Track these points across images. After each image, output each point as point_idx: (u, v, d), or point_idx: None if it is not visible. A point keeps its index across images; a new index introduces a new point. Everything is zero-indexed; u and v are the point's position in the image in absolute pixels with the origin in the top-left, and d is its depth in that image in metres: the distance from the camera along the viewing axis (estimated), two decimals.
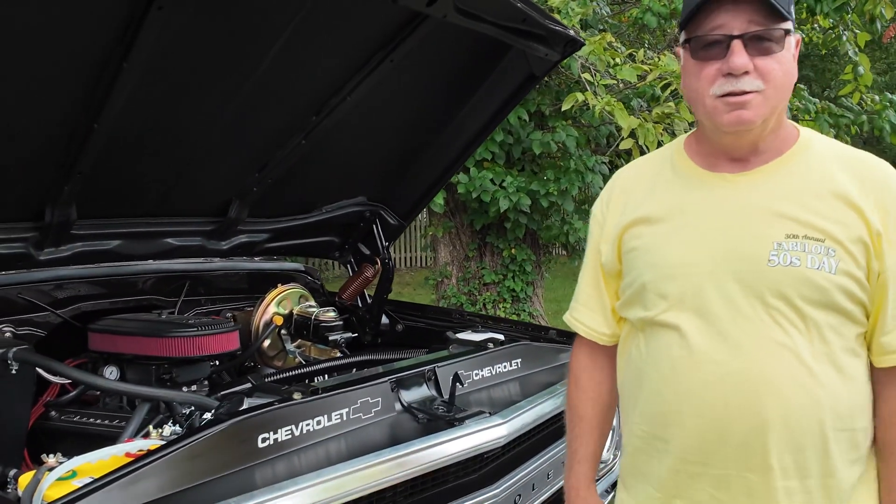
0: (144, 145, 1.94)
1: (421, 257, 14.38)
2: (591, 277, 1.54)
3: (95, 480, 1.18)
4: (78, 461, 1.35)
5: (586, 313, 1.55)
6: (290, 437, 1.45)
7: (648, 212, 1.42)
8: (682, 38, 1.34)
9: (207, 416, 1.67)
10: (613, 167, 6.55)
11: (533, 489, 1.85)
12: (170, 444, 1.31)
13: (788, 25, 1.28)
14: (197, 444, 1.31)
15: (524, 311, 6.33)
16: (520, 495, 1.78)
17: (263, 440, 1.41)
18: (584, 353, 1.58)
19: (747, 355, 1.28)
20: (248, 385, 1.84)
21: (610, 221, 1.48)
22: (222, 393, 1.83)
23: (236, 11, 1.73)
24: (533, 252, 6.31)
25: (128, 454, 1.42)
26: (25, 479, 1.31)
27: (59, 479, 1.30)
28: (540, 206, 5.68)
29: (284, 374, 2.06)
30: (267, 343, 2.39)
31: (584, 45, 2.42)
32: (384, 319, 2.78)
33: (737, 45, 1.26)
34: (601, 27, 6.01)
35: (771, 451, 1.27)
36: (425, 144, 2.60)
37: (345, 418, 1.57)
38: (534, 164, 5.94)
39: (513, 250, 6.22)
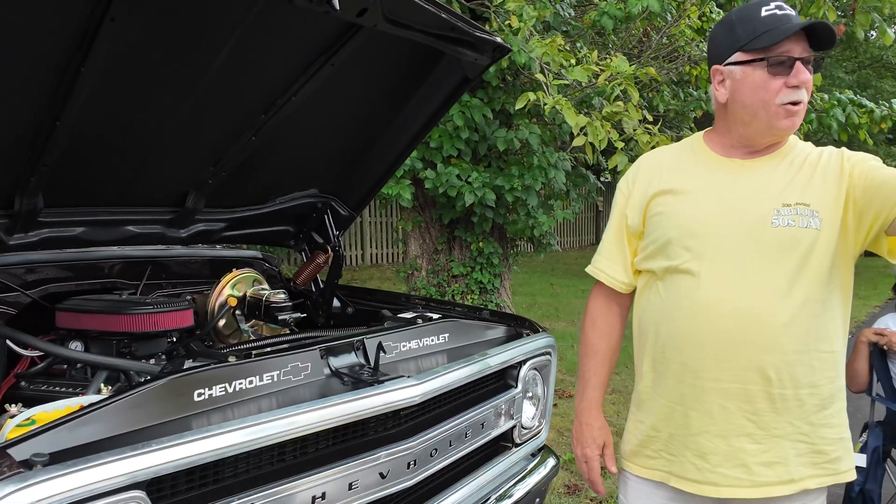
0: (105, 140, 2.15)
1: (394, 254, 14.60)
2: (616, 237, 1.99)
3: (49, 423, 1.40)
4: (36, 410, 1.58)
5: (608, 265, 2.01)
6: (223, 393, 1.67)
7: (674, 185, 1.88)
8: (740, 57, 1.78)
9: (105, 389, 1.90)
10: (576, 164, 6.80)
11: (450, 445, 2.08)
12: (115, 394, 1.53)
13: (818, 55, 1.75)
14: (139, 395, 1.52)
15: (492, 301, 6.56)
16: (436, 449, 2.01)
17: (199, 395, 1.63)
18: (602, 299, 2.06)
19: (752, 295, 1.73)
20: (184, 354, 2.06)
21: (637, 193, 1.95)
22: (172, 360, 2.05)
23: (184, 21, 1.94)
24: (500, 245, 6.54)
25: (80, 406, 1.64)
26: None
27: (18, 425, 1.52)
28: (505, 200, 5.92)
29: (234, 348, 2.28)
30: (222, 322, 2.60)
31: (511, 50, 2.65)
32: (336, 303, 3.00)
33: (800, 65, 1.72)
34: (564, 28, 6.25)
35: (769, 368, 1.72)
36: (372, 141, 2.82)
37: (275, 379, 1.79)
38: (499, 161, 6.17)
39: (480, 243, 6.45)
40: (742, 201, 1.80)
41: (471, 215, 6.19)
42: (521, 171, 5.92)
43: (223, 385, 1.67)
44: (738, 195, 1.81)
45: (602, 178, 7.17)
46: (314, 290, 3.02)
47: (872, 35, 5.43)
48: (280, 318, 2.56)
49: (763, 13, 1.76)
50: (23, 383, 2.17)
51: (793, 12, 1.77)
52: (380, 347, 1.99)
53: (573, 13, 6.56)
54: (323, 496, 1.69)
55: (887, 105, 6.05)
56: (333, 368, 1.94)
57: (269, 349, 1.90)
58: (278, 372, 1.80)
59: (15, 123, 1.93)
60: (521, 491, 2.42)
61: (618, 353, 2.08)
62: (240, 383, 1.71)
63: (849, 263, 1.82)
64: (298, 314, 2.62)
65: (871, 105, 6.02)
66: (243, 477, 1.58)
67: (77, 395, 2.04)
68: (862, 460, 3.25)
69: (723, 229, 1.78)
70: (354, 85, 2.55)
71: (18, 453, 1.30)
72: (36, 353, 2.18)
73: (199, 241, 2.75)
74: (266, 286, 2.72)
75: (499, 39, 2.50)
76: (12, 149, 1.98)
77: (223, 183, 2.59)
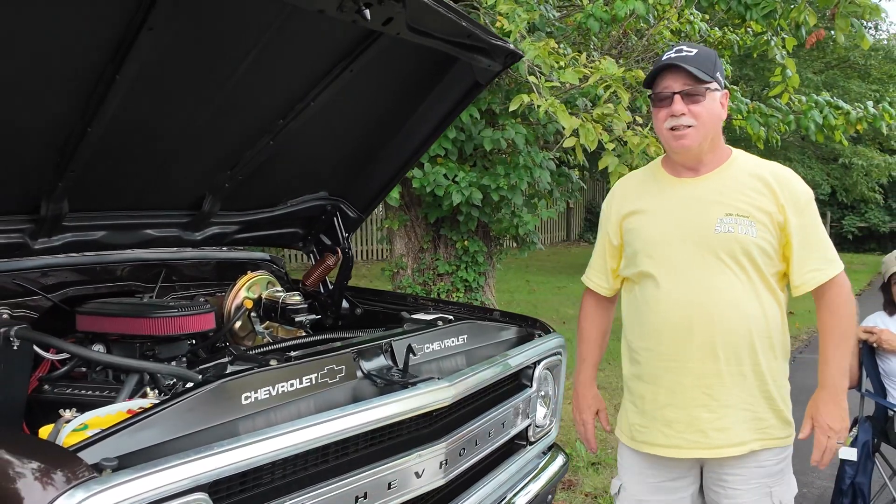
0: (129, 146, 2.17)
1: (377, 250, 14.64)
2: (600, 251, 2.37)
3: (108, 428, 1.43)
4: (89, 416, 1.60)
5: (595, 274, 2.41)
6: (267, 395, 1.71)
7: (639, 206, 2.23)
8: (648, 94, 2.16)
9: (152, 394, 1.93)
10: (560, 163, 6.89)
11: (476, 444, 2.14)
12: (167, 400, 1.56)
13: (712, 85, 2.07)
14: (191, 399, 1.56)
15: (476, 299, 6.63)
16: (464, 449, 2.07)
17: (246, 398, 1.67)
18: (592, 299, 2.45)
19: (701, 291, 2.07)
20: (230, 357, 2.09)
21: (613, 214, 2.30)
22: (206, 365, 2.08)
23: (213, 30, 1.97)
24: (485, 244, 6.61)
25: (129, 411, 1.67)
26: (46, 430, 1.55)
27: (74, 430, 1.54)
28: (491, 199, 5.99)
29: (261, 349, 2.31)
30: (238, 324, 2.63)
31: (522, 56, 2.71)
32: (344, 304, 3.04)
33: (675, 98, 2.05)
34: (549, 30, 6.32)
35: (717, 350, 2.06)
36: (381, 144, 2.86)
37: (314, 382, 1.83)
38: (485, 160, 6.23)
39: (465, 242, 6.51)
40: (690, 213, 2.13)
41: (457, 214, 6.25)
42: (507, 171, 5.98)
43: (267, 388, 1.72)
44: (687, 208, 2.14)
45: (578, 177, 7.25)
46: (322, 291, 3.05)
47: (852, 31, 5.54)
48: (297, 320, 2.60)
49: (661, 59, 2.14)
50: (46, 387, 2.18)
51: (684, 52, 2.09)
52: (409, 350, 2.04)
53: (556, 14, 6.64)
54: (365, 496, 1.74)
55: (862, 107, 6.22)
56: (365, 371, 1.98)
57: (301, 352, 1.94)
58: (316, 374, 1.85)
59: (48, 130, 1.95)
60: (536, 486, 2.49)
61: (607, 340, 2.52)
62: (282, 386, 1.75)
63: (782, 262, 2.12)
64: (314, 316, 2.65)
65: (847, 107, 6.19)
66: (292, 478, 1.62)
67: (103, 398, 2.06)
68: (852, 454, 3.36)
69: (676, 238, 2.12)
70: (369, 90, 2.59)
71: (86, 457, 1.33)
72: (58, 357, 2.19)
73: (212, 244, 2.77)
74: (280, 288, 2.75)
75: (511, 46, 2.56)
76: (43, 155, 2.00)
77: (238, 186, 2.62)
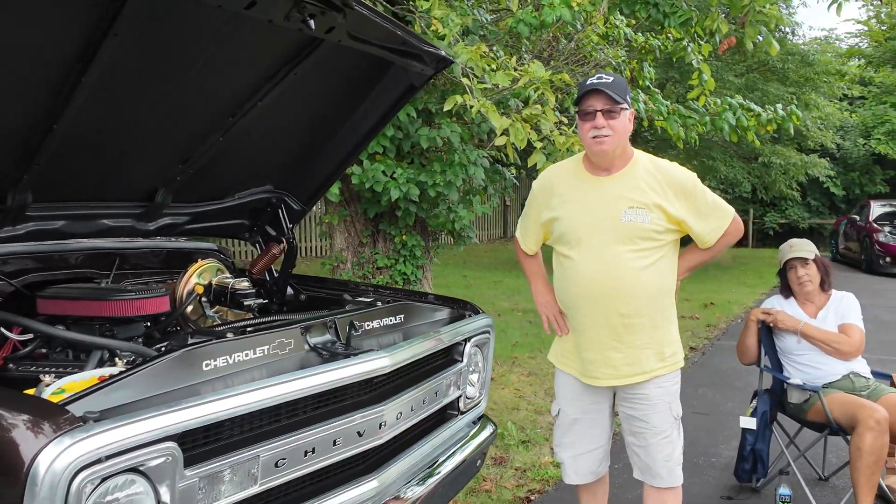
0: (89, 141, 2.34)
1: (317, 247, 14.75)
2: (531, 220, 2.95)
3: (88, 387, 1.63)
4: (66, 380, 1.80)
5: (523, 238, 3.03)
6: (225, 364, 1.93)
7: (563, 193, 2.80)
8: (575, 109, 2.76)
9: (121, 363, 2.11)
10: (493, 160, 7.18)
11: (412, 410, 2.39)
12: (138, 364, 1.77)
13: (623, 106, 2.67)
14: (159, 364, 1.77)
15: None
16: (401, 413, 2.32)
17: (206, 365, 1.88)
18: (524, 254, 3.08)
19: (611, 266, 2.67)
20: (186, 332, 2.29)
21: (543, 195, 2.87)
22: (167, 341, 2.28)
23: (171, 35, 2.17)
24: (422, 238, 6.85)
25: (100, 377, 1.86)
26: (28, 393, 1.73)
27: (53, 392, 1.74)
28: (428, 195, 6.23)
29: (218, 326, 2.51)
30: (189, 308, 2.82)
31: (453, 62, 2.97)
32: (289, 291, 3.25)
33: (597, 115, 2.64)
34: (482, 33, 6.60)
35: (622, 307, 2.68)
36: (324, 141, 3.08)
37: (266, 353, 2.06)
38: (422, 158, 6.47)
39: (404, 237, 6.74)
40: (602, 204, 2.72)
41: (395, 209, 6.47)
42: (443, 168, 6.24)
43: (225, 357, 1.93)
44: (600, 200, 2.72)
45: (514, 174, 7.55)
46: (268, 279, 3.26)
47: (760, 39, 5.95)
48: (245, 303, 2.80)
49: (586, 82, 2.71)
50: (10, 365, 2.34)
51: (604, 79, 2.67)
52: (351, 326, 2.28)
53: (489, 18, 6.92)
54: (313, 450, 1.97)
55: (773, 109, 6.68)
56: (312, 344, 2.21)
57: (254, 329, 2.16)
58: (268, 346, 2.07)
59: (16, 127, 2.11)
60: (465, 452, 2.75)
61: (542, 266, 3.09)
62: (238, 356, 1.97)
63: (674, 243, 2.78)
64: (262, 300, 2.86)
65: (758, 109, 6.64)
66: (249, 434, 1.85)
67: (67, 374, 2.24)
68: (752, 423, 3.73)
69: (590, 224, 2.72)
70: (312, 91, 2.81)
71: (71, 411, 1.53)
72: (22, 338, 2.35)
73: (164, 234, 2.95)
74: (229, 275, 2.95)
75: (443, 52, 2.82)
76: (9, 149, 2.17)
77: (189, 180, 2.80)
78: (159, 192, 2.77)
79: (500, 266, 15.33)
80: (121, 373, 1.72)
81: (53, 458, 1.41)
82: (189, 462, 1.67)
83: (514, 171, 7.79)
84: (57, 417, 1.48)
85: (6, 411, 1.49)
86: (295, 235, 3.22)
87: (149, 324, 2.59)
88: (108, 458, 1.50)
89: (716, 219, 2.77)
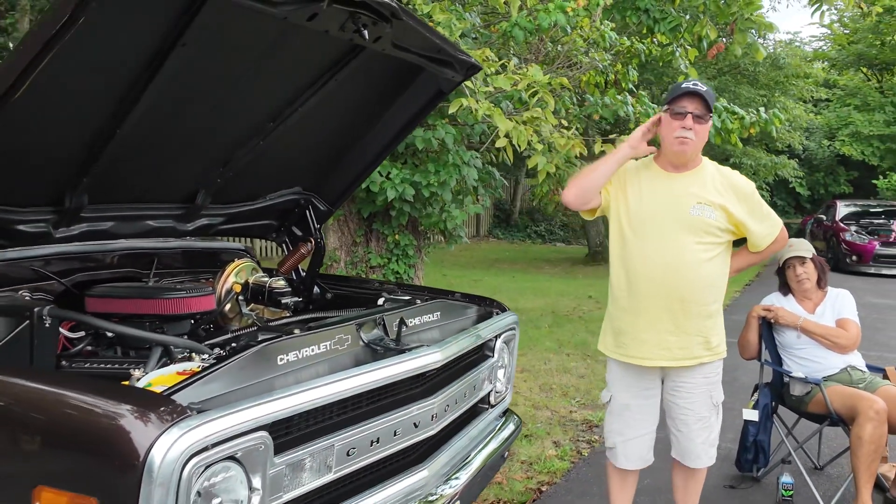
0: (143, 146, 2.42)
1: None
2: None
3: (184, 379, 1.72)
4: (152, 375, 1.88)
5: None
6: (296, 358, 2.03)
7: (638, 184, 2.99)
8: (665, 107, 2.94)
9: (197, 358, 2.20)
10: (486, 162, 7.31)
11: (456, 402, 2.51)
12: (221, 360, 1.85)
13: (710, 116, 2.91)
14: (241, 359, 1.86)
15: None
16: (448, 406, 2.43)
17: (280, 359, 1.98)
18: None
19: (676, 254, 2.88)
20: (254, 328, 2.37)
21: (619, 178, 3.03)
22: (234, 334, 2.37)
23: (230, 44, 2.26)
24: (414, 238, 6.96)
25: (179, 372, 1.95)
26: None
27: (144, 387, 1.82)
28: (422, 195, 6.34)
29: (274, 323, 2.59)
30: (228, 307, 2.90)
31: (481, 68, 3.08)
32: (315, 289, 3.34)
33: (689, 116, 2.85)
34: (473, 36, 6.73)
35: (683, 293, 2.89)
36: (353, 144, 3.18)
37: (328, 348, 2.15)
38: (415, 158, 6.58)
39: (397, 236, 6.85)
40: (674, 197, 2.94)
41: (389, 209, 6.57)
42: (438, 168, 6.35)
43: (296, 352, 2.03)
44: (672, 193, 2.95)
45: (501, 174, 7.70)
46: (295, 277, 3.34)
47: (749, 45, 6.17)
48: (283, 302, 2.89)
49: (682, 85, 2.94)
50: (63, 363, 2.41)
51: (700, 87, 2.89)
52: (402, 322, 2.39)
53: (480, 22, 7.05)
54: (378, 440, 2.08)
55: (755, 112, 6.90)
56: (365, 340, 2.32)
57: (316, 325, 2.26)
58: (329, 342, 2.17)
59: (83, 131, 2.19)
60: (496, 443, 2.88)
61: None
62: (305, 350, 2.07)
63: (729, 244, 3.03)
64: (297, 298, 2.95)
65: (742, 112, 6.85)
66: (324, 424, 1.95)
67: (121, 370, 2.31)
68: (754, 415, 3.91)
69: (660, 213, 2.93)
70: (346, 96, 2.91)
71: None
72: (74, 335, 2.42)
73: (200, 234, 3.02)
74: (264, 274, 3.04)
75: (473, 59, 2.93)
76: (75, 153, 2.24)
77: (227, 182, 2.88)
78: (200, 193, 2.85)
79: (477, 265, 15.50)
80: (209, 367, 1.81)
81: (169, 446, 1.50)
82: (278, 450, 1.77)
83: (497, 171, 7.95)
84: (169, 408, 1.57)
85: (119, 402, 1.57)
86: (322, 236, 3.31)
87: (192, 321, 2.68)
88: (213, 446, 1.59)
89: (769, 225, 3.06)
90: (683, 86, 2.93)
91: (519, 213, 23.87)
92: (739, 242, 3.08)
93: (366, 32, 2.33)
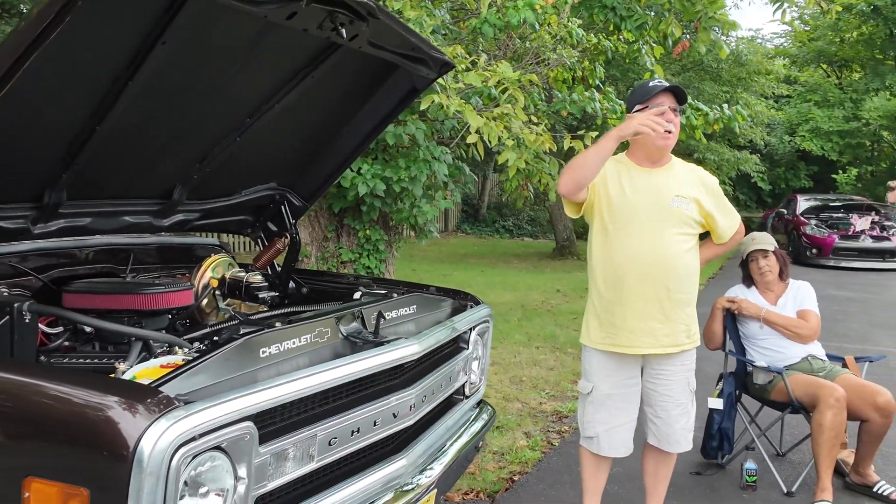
0: (123, 142, 2.43)
1: None
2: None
3: (170, 372, 1.76)
4: (136, 369, 1.91)
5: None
6: (277, 351, 2.06)
7: (618, 179, 3.09)
8: (639, 107, 3.06)
9: (180, 351, 2.23)
10: (456, 157, 7.37)
11: (433, 393, 2.57)
12: (205, 353, 1.89)
13: (684, 106, 3.24)
14: (225, 352, 1.90)
15: None
16: (426, 396, 2.49)
17: (263, 352, 2.02)
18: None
19: (659, 244, 3.01)
20: (235, 321, 2.40)
21: (599, 177, 3.04)
22: (216, 327, 2.40)
23: (211, 42, 2.29)
24: (385, 233, 7.00)
25: (162, 366, 1.98)
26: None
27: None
28: (393, 191, 6.38)
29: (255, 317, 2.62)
30: (205, 301, 2.93)
31: (454, 66, 3.13)
32: (291, 284, 3.37)
33: (669, 111, 2.98)
34: (443, 32, 6.78)
35: (669, 283, 3.02)
36: (328, 141, 3.21)
37: (309, 340, 2.20)
38: (386, 154, 6.61)
39: (367, 231, 6.88)
40: (654, 191, 3.08)
41: (360, 204, 6.60)
42: (408, 164, 6.39)
43: (277, 345, 2.07)
44: (652, 187, 3.09)
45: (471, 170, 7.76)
46: (271, 272, 3.37)
47: (713, 43, 6.30)
48: (260, 296, 2.93)
49: (650, 84, 3.11)
50: (42, 358, 2.42)
51: (669, 84, 3.07)
52: (380, 315, 2.44)
53: (450, 18, 7.10)
54: (358, 430, 2.13)
55: (719, 109, 7.05)
56: (344, 333, 2.36)
57: (297, 318, 2.30)
58: (310, 335, 2.21)
59: (63, 127, 2.21)
60: (471, 432, 2.94)
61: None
62: (287, 343, 2.11)
63: (698, 236, 3.17)
64: (275, 293, 2.99)
65: (706, 109, 6.99)
66: (307, 414, 1.99)
67: (102, 365, 2.32)
68: (719, 404, 4.02)
69: (644, 207, 3.05)
70: (322, 93, 2.94)
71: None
72: (53, 331, 2.43)
73: (176, 230, 3.04)
74: (241, 269, 3.06)
75: (447, 57, 2.98)
76: (55, 149, 2.25)
77: (204, 178, 2.90)
78: (176, 189, 2.86)
79: (446, 259, 15.56)
80: (194, 360, 1.85)
81: (158, 436, 1.54)
82: (262, 440, 1.81)
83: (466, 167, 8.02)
84: (157, 399, 1.60)
85: (108, 394, 1.61)
86: (298, 231, 3.34)
87: (170, 316, 2.70)
88: (200, 436, 1.63)
89: (732, 218, 3.26)
90: (653, 84, 3.08)
91: (487, 207, 23.99)
92: (701, 237, 3.22)
93: (343, 31, 2.37)
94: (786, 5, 6.26)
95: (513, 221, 23.32)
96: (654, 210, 3.04)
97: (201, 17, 2.11)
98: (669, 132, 2.98)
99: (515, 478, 4.11)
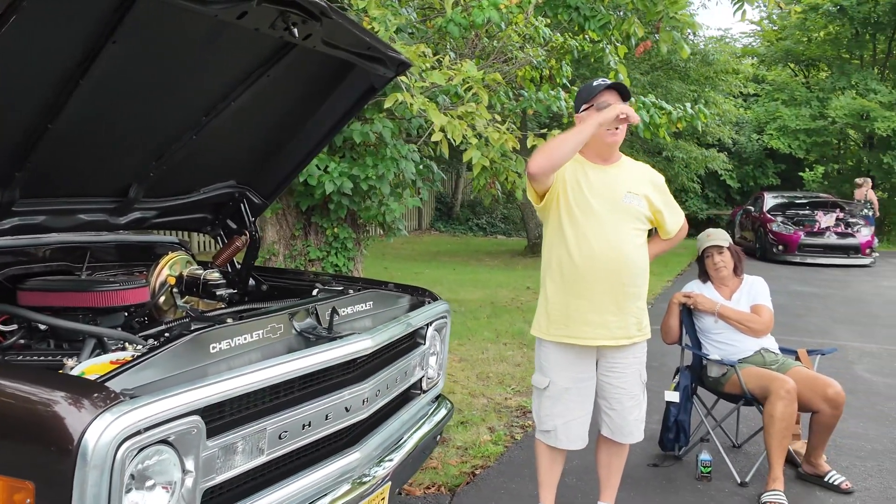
0: (77, 140, 2.45)
1: None
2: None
3: (118, 367, 1.78)
4: (85, 364, 1.93)
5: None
6: (228, 346, 2.10)
7: (575, 175, 3.15)
8: (584, 107, 3.17)
9: (131, 348, 2.25)
10: (423, 156, 7.41)
11: (387, 388, 2.61)
12: (155, 348, 1.92)
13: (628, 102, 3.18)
14: (175, 347, 1.93)
15: None
16: (379, 391, 2.53)
17: (213, 348, 2.04)
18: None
19: (614, 239, 3.10)
20: (187, 318, 2.43)
21: (558, 172, 3.12)
22: (168, 325, 2.42)
23: (163, 41, 2.31)
24: (353, 231, 7.03)
25: (113, 361, 2.00)
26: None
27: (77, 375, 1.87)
28: (360, 189, 6.41)
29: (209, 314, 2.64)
30: (162, 299, 2.94)
31: (411, 65, 3.17)
32: (251, 282, 3.40)
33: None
34: (410, 31, 6.81)
35: (623, 277, 3.11)
36: (287, 139, 3.24)
37: (261, 336, 2.23)
38: (353, 152, 6.64)
39: (336, 229, 6.90)
40: (608, 186, 3.17)
41: (327, 202, 6.62)
42: (375, 162, 6.42)
43: (228, 340, 2.10)
44: (606, 183, 3.17)
45: (439, 168, 7.80)
46: (230, 270, 3.39)
47: (674, 43, 6.40)
48: (218, 293, 2.95)
49: (594, 83, 3.19)
50: None
51: (616, 82, 3.15)
52: (334, 311, 2.47)
53: (416, 17, 7.13)
54: (310, 424, 2.17)
55: (682, 108, 7.15)
56: (298, 329, 2.40)
57: (250, 314, 2.33)
58: (262, 331, 2.24)
59: (16, 126, 2.21)
60: (428, 426, 2.99)
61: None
62: (238, 339, 2.14)
63: (650, 223, 3.28)
64: (232, 290, 3.01)
65: (669, 108, 7.09)
66: (256, 409, 2.03)
67: (55, 362, 2.34)
68: (675, 397, 4.11)
69: (600, 202, 3.13)
70: (279, 91, 2.96)
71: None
72: (9, 328, 2.44)
73: (133, 228, 3.05)
74: (199, 266, 3.08)
75: (403, 56, 3.02)
76: (7, 148, 2.26)
77: (160, 176, 2.92)
78: (132, 187, 2.87)
79: (419, 257, 15.60)
80: (142, 355, 1.87)
81: (102, 430, 1.56)
82: (210, 434, 1.84)
83: (435, 165, 8.06)
84: (101, 394, 1.63)
85: (53, 389, 1.63)
86: (258, 228, 3.36)
87: (126, 314, 2.72)
88: (146, 430, 1.66)
89: (677, 214, 3.37)
90: (597, 83, 3.17)
91: (461, 206, 24.06)
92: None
93: (296, 30, 2.41)
94: (746, 6, 6.35)
95: (486, 220, 23.42)
96: (609, 206, 3.12)
97: (151, 16, 2.13)
98: (614, 131, 3.08)
99: (477, 472, 4.16)
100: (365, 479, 2.45)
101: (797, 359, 4.17)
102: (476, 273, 13.28)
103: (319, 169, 6.17)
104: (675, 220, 3.35)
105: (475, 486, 3.97)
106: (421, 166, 7.37)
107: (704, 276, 4.28)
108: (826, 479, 3.92)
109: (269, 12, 2.31)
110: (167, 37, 2.31)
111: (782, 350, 4.19)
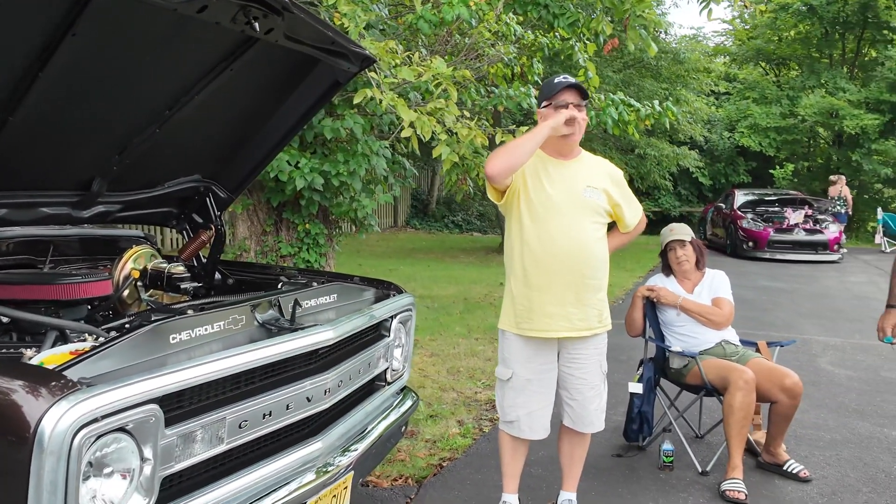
0: (36, 133, 2.45)
1: None
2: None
3: (77, 356, 1.80)
4: (44, 354, 1.94)
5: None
6: (188, 337, 2.12)
7: (535, 171, 3.22)
8: (545, 103, 3.23)
9: (91, 339, 2.26)
10: (395, 152, 7.44)
11: (350, 378, 2.64)
12: (114, 338, 1.94)
13: (587, 103, 3.21)
14: (134, 337, 1.95)
15: None
16: (342, 381, 2.56)
17: (173, 338, 2.06)
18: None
19: (575, 232, 3.17)
20: (148, 309, 2.44)
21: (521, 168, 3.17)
22: (129, 316, 2.43)
23: (123, 35, 2.32)
24: (325, 227, 7.04)
25: (72, 352, 2.02)
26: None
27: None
28: (332, 185, 6.42)
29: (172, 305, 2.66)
30: (126, 293, 2.95)
31: (376, 61, 3.20)
32: (217, 276, 3.41)
33: (571, 106, 3.13)
34: (381, 27, 6.83)
35: (584, 269, 3.18)
36: (252, 133, 3.25)
37: (222, 328, 2.25)
38: (324, 148, 6.65)
39: (307, 225, 6.90)
40: (568, 182, 3.23)
41: (298, 198, 6.62)
42: (347, 158, 6.44)
43: (188, 331, 2.12)
44: (566, 178, 3.24)
45: (411, 164, 7.83)
46: (196, 264, 3.40)
47: (641, 42, 6.47)
48: (182, 287, 2.96)
49: (555, 80, 3.23)
50: None
51: (572, 80, 3.19)
52: (296, 303, 2.50)
53: (387, 13, 7.15)
54: (270, 413, 2.20)
55: (650, 105, 7.24)
56: (260, 321, 2.42)
57: (211, 305, 2.35)
58: (224, 322, 2.27)
59: None
60: (391, 418, 3.02)
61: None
62: (199, 330, 2.16)
63: (609, 217, 3.35)
64: (197, 283, 3.02)
65: (638, 105, 7.18)
66: (215, 399, 2.05)
67: (15, 354, 2.35)
68: (639, 388, 4.18)
69: (561, 197, 3.20)
70: (244, 86, 2.99)
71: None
72: None
73: (97, 222, 3.05)
74: (163, 260, 3.09)
75: (367, 52, 3.05)
76: None
77: (124, 169, 2.93)
78: (95, 181, 2.88)
79: (394, 254, 15.61)
80: (101, 345, 1.89)
81: (58, 418, 1.58)
82: (168, 423, 1.86)
83: (408, 161, 8.08)
84: (58, 382, 1.65)
85: (10, 378, 1.64)
86: (223, 223, 3.38)
87: (90, 306, 2.73)
88: (103, 418, 1.68)
89: (636, 208, 3.46)
90: (558, 80, 3.22)
91: (436, 203, 24.08)
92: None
93: (257, 25, 2.43)
94: (712, 4, 6.44)
95: (462, 216, 23.46)
96: (570, 200, 3.19)
97: (112, 9, 2.14)
98: (571, 127, 3.14)
99: (444, 464, 4.21)
100: (328, 468, 2.49)
101: (757, 350, 4.26)
102: (450, 269, 13.32)
103: (290, 165, 6.18)
104: (633, 213, 3.42)
105: (441, 477, 4.02)
106: (393, 163, 7.41)
107: (668, 269, 4.35)
108: (785, 468, 4.01)
109: (230, 6, 2.33)
110: (128, 30, 2.32)
111: (743, 342, 4.28)
